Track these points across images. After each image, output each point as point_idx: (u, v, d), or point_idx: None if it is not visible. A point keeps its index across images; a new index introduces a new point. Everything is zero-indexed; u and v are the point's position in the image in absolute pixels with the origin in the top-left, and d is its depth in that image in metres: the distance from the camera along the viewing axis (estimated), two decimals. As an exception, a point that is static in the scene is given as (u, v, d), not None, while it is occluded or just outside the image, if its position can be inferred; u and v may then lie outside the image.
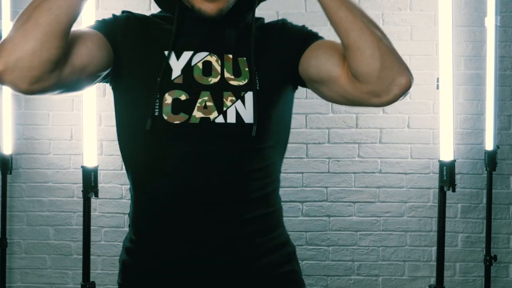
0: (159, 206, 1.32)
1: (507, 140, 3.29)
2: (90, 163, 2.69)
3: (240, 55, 1.32)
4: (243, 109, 1.27)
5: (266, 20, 1.44)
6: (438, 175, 2.77)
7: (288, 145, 1.47)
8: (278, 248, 1.38)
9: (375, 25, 1.23)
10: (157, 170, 1.31)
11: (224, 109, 1.26)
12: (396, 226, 3.33)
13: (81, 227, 2.77)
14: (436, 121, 2.97)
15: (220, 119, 1.26)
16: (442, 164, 2.72)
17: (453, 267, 3.36)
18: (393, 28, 3.25)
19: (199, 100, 1.27)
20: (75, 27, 1.18)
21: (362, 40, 1.18)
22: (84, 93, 2.73)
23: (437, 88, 2.77)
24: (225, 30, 1.33)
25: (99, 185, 2.74)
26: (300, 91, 3.24)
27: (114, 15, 1.38)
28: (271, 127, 1.32)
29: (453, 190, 2.71)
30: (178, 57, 1.30)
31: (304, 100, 3.22)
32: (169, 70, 1.29)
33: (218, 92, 1.27)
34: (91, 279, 2.75)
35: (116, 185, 3.33)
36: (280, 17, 3.23)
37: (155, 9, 3.25)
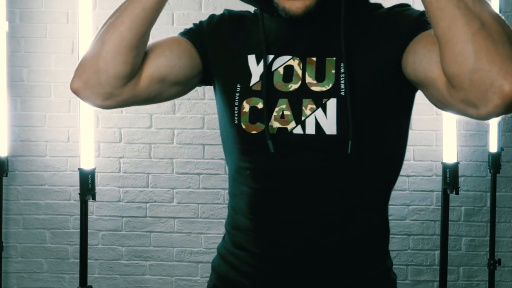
0: (241, 216, 1.28)
1: (511, 142, 3.29)
2: (87, 165, 2.68)
3: (329, 54, 1.19)
4: (323, 119, 1.16)
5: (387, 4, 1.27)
6: (441, 177, 2.77)
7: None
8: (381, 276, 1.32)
9: (482, 10, 0.95)
10: (240, 179, 1.27)
11: (303, 118, 1.17)
12: (398, 230, 3.33)
13: (78, 230, 2.77)
14: (439, 122, 2.96)
15: (298, 130, 1.17)
16: (445, 167, 2.72)
17: (457, 271, 3.36)
18: (395, 28, 3.25)
19: (276, 109, 1.19)
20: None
21: (452, 31, 0.94)
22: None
23: (440, 89, 2.76)
24: (311, 28, 1.23)
25: (97, 188, 2.73)
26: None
27: (210, 16, 1.37)
28: (363, 140, 1.17)
29: (457, 193, 2.71)
30: (258, 62, 1.23)
31: (305, 101, 3.22)
32: (249, 75, 1.23)
33: (297, 99, 1.18)
34: (88, 283, 2.74)
35: (113, 187, 3.32)
36: (280, 17, 3.23)
37: (153, 9, 3.25)
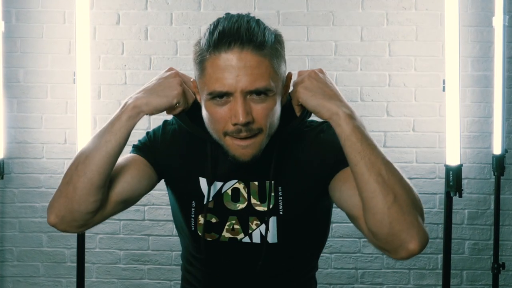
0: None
1: (515, 143, 3.29)
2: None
3: (268, 178, 1.44)
4: (266, 232, 1.45)
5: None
6: (444, 180, 2.77)
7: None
8: None
9: (395, 183, 1.25)
10: (192, 266, 1.59)
11: (250, 231, 1.46)
12: (401, 233, 3.32)
13: (75, 234, 2.77)
14: (442, 124, 2.96)
15: (246, 239, 1.47)
16: (448, 169, 2.72)
17: (460, 275, 3.35)
18: (397, 28, 3.25)
19: (227, 223, 1.47)
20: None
21: (373, 202, 1.24)
22: (78, 95, 2.73)
23: (443, 90, 2.77)
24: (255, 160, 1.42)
25: (94, 191, 2.74)
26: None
27: (162, 131, 1.55)
28: (296, 245, 1.49)
29: (460, 196, 2.71)
30: (209, 185, 1.46)
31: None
32: (202, 195, 1.47)
33: (245, 217, 1.46)
34: (85, 288, 2.74)
35: (111, 190, 3.32)
36: (280, 17, 3.23)
37: (151, 8, 3.26)
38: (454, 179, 2.70)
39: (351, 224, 1.41)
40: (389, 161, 1.29)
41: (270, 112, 1.32)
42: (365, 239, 3.34)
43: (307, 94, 1.33)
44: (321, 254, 1.65)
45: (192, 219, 1.48)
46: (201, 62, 1.32)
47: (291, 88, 1.42)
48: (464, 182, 3.22)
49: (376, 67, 3.26)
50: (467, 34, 3.23)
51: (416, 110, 3.27)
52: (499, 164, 2.99)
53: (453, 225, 2.91)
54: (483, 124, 3.27)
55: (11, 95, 3.29)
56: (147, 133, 1.56)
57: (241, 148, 1.33)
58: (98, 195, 1.34)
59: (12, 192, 3.34)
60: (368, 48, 3.26)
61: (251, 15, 1.34)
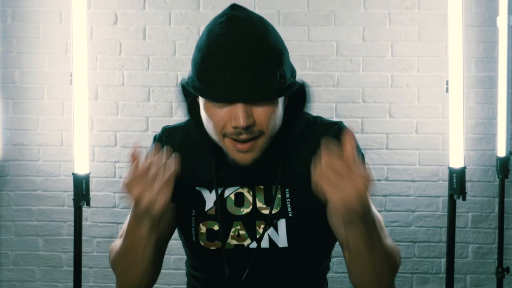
0: None
1: (520, 145, 3.29)
2: (81, 170, 2.68)
3: (274, 183, 1.42)
4: (275, 235, 1.41)
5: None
6: (447, 182, 2.77)
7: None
8: None
9: (386, 269, 1.32)
10: (198, 272, 1.55)
11: (257, 236, 1.42)
12: (403, 237, 3.32)
13: (72, 237, 2.76)
14: (446, 126, 2.96)
15: (253, 245, 1.42)
16: (451, 171, 2.71)
17: (464, 280, 3.35)
18: (400, 28, 3.25)
19: (232, 229, 1.43)
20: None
21: (360, 274, 1.32)
22: (75, 96, 2.73)
23: (447, 91, 2.77)
24: (256, 163, 1.37)
25: (91, 193, 2.73)
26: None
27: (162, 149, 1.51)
28: (307, 248, 1.45)
29: (464, 199, 2.71)
30: (210, 191, 1.44)
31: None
32: (203, 202, 1.44)
33: (251, 221, 1.42)
34: (82, 292, 2.74)
35: (108, 193, 3.32)
36: (281, 17, 3.23)
37: (149, 8, 3.25)
38: (457, 182, 2.69)
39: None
40: (386, 246, 1.31)
41: (273, 114, 1.30)
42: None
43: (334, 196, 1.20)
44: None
45: (193, 229, 1.45)
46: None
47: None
48: (468, 184, 3.21)
49: (378, 68, 3.26)
50: (471, 34, 3.23)
51: (419, 112, 3.27)
52: (503, 166, 2.99)
53: (456, 229, 2.91)
54: (487, 126, 3.27)
55: (7, 96, 3.29)
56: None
57: (241, 152, 1.31)
58: (156, 270, 1.47)
59: (8, 195, 3.34)
60: (370, 49, 3.26)
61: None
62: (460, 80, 2.72)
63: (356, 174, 1.11)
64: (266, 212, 1.42)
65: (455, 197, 2.71)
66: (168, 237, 1.49)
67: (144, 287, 1.43)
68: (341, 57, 3.26)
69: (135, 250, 1.34)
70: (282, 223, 1.41)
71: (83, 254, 2.79)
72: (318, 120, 1.49)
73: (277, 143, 1.37)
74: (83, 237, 2.77)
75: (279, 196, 1.42)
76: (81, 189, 2.65)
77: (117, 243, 1.44)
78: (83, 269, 2.81)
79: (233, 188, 1.44)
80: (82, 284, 2.77)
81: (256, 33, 1.27)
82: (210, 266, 1.49)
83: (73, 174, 2.68)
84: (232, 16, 1.29)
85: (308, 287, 1.53)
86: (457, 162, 2.72)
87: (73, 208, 2.69)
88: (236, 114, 1.25)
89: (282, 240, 1.41)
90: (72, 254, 2.85)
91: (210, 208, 1.43)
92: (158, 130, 1.58)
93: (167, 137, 1.51)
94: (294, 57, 3.17)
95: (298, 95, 1.39)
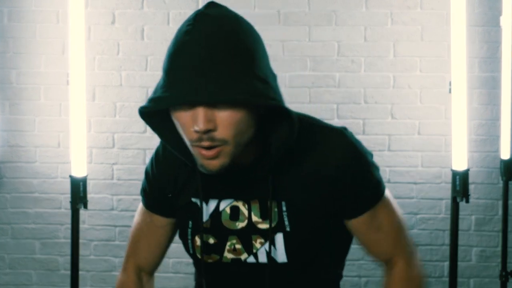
0: None
1: (524, 147, 3.29)
2: (78, 172, 2.68)
3: (269, 196, 1.34)
4: (273, 250, 1.36)
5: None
6: (450, 185, 2.77)
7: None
8: None
9: None
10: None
11: (254, 251, 1.38)
12: (405, 240, 3.31)
13: (69, 240, 2.76)
14: (449, 127, 2.96)
15: (251, 259, 1.38)
16: (455, 173, 2.71)
17: (467, 283, 3.35)
18: (402, 28, 3.25)
19: (228, 243, 1.39)
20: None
21: None
22: (72, 97, 2.73)
23: (450, 92, 2.77)
24: (249, 174, 1.34)
25: (89, 196, 2.73)
26: (303, 95, 3.25)
27: (147, 173, 1.52)
28: (309, 262, 1.40)
29: (467, 201, 2.71)
30: (206, 203, 1.40)
31: (307, 105, 3.22)
32: (199, 215, 1.40)
33: (247, 236, 1.38)
34: (80, 296, 2.74)
35: (106, 195, 3.32)
36: (281, 16, 3.23)
37: (148, 7, 3.25)
38: (460, 184, 2.69)
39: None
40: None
41: (239, 122, 1.19)
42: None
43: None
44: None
45: (189, 241, 1.42)
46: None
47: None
48: (471, 187, 3.21)
49: (380, 68, 3.26)
50: (474, 34, 3.23)
51: (421, 113, 3.27)
52: (507, 168, 2.99)
53: (459, 232, 2.91)
54: (491, 127, 3.27)
55: (3, 97, 3.29)
56: (145, 173, 1.53)
57: (207, 159, 1.22)
58: None
59: (4, 198, 3.34)
60: (371, 49, 3.26)
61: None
62: (463, 80, 2.72)
63: None
64: (262, 226, 1.36)
65: (458, 199, 2.71)
66: (162, 254, 1.62)
67: None
68: (342, 57, 3.26)
69: None
70: (279, 238, 1.35)
71: (80, 257, 2.79)
72: (318, 125, 1.38)
73: (265, 154, 1.31)
74: (80, 240, 2.77)
75: (275, 209, 1.34)
76: (79, 192, 2.65)
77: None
78: (80, 272, 2.81)
79: (228, 200, 1.38)
80: (80, 288, 2.77)
81: (225, 30, 1.18)
82: (211, 278, 1.47)
83: (70, 176, 2.68)
84: (202, 13, 1.20)
85: None
86: (460, 164, 2.72)
87: (70, 210, 2.69)
88: (196, 117, 1.17)
89: (280, 255, 1.36)
90: (69, 257, 2.84)
91: (206, 221, 1.40)
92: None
93: (163, 157, 1.47)
94: (295, 57, 3.19)
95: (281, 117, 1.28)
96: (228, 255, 1.39)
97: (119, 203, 3.31)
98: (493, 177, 3.29)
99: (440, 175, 3.29)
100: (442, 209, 3.30)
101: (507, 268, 3.03)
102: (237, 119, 1.18)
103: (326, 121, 1.40)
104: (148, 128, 3.21)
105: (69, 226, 2.87)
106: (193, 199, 1.41)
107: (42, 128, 3.31)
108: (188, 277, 3.33)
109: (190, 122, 1.18)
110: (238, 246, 1.38)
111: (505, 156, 2.98)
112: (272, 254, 1.36)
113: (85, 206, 2.67)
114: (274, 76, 1.25)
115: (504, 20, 2.94)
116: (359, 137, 1.43)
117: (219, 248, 1.40)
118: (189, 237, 1.42)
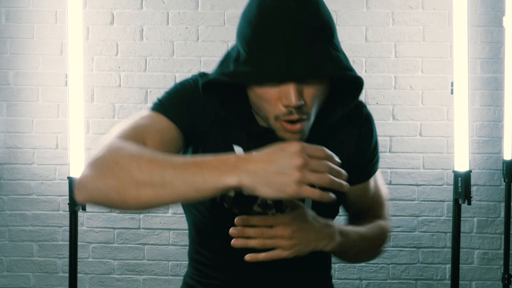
0: (215, 271, 1.47)
1: (527, 148, 3.29)
2: (77, 174, 2.67)
3: None
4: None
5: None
6: (452, 186, 2.76)
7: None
8: None
9: (378, 249, 1.53)
10: (218, 245, 1.45)
11: (283, 208, 1.38)
12: (407, 242, 3.32)
13: (68, 242, 2.76)
14: (451, 128, 2.96)
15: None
16: (456, 175, 2.71)
17: (469, 286, 3.35)
18: (404, 28, 3.25)
19: (260, 198, 1.36)
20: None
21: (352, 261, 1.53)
22: (70, 98, 2.72)
23: (452, 93, 2.76)
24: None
25: (87, 198, 2.73)
26: (304, 96, 3.25)
27: (185, 87, 1.38)
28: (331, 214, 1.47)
29: (469, 203, 2.70)
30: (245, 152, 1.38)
31: (308, 105, 3.23)
32: None
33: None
34: (78, 299, 2.74)
35: (105, 197, 3.31)
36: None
37: (147, 7, 3.25)
38: (462, 186, 2.69)
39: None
40: (371, 239, 1.47)
41: (322, 96, 1.27)
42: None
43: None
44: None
45: None
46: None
47: None
48: (473, 189, 3.21)
49: (382, 69, 3.26)
50: (477, 34, 3.23)
51: (423, 114, 3.27)
52: (509, 170, 2.99)
53: (461, 234, 2.91)
54: (493, 129, 3.27)
55: (1, 98, 3.29)
56: (177, 86, 1.38)
57: (290, 133, 1.27)
58: None
59: (1, 200, 3.34)
60: (373, 49, 3.26)
61: None
62: (466, 81, 2.72)
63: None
64: None
65: (460, 201, 2.70)
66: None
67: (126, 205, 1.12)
68: (343, 58, 3.26)
69: (160, 189, 1.07)
70: (308, 201, 1.40)
71: (78, 260, 2.79)
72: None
73: (316, 127, 1.35)
74: (78, 243, 2.77)
75: None
76: (77, 193, 2.64)
77: (137, 151, 1.13)
78: (78, 275, 2.81)
79: None
80: (78, 290, 2.77)
81: (309, 6, 1.22)
82: (227, 232, 1.29)
83: (68, 177, 2.68)
84: None
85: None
86: (462, 165, 2.72)
87: (68, 212, 2.68)
88: (287, 93, 1.20)
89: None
90: (67, 260, 2.84)
91: None
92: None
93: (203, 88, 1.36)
94: (295, 58, 3.18)
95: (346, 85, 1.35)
96: (257, 209, 1.39)
97: (118, 205, 3.31)
98: (496, 179, 3.29)
99: (442, 177, 3.29)
100: (444, 211, 3.30)
101: (510, 271, 3.02)
102: (321, 92, 1.25)
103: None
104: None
105: (67, 228, 2.87)
106: (235, 146, 1.38)
107: (40, 129, 3.31)
108: (188, 280, 3.34)
109: (277, 97, 1.23)
110: (269, 202, 1.37)
111: (507, 157, 2.98)
112: None
113: (84, 208, 2.67)
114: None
115: (507, 21, 2.94)
116: (360, 138, 1.49)
117: (250, 201, 1.38)
118: None
